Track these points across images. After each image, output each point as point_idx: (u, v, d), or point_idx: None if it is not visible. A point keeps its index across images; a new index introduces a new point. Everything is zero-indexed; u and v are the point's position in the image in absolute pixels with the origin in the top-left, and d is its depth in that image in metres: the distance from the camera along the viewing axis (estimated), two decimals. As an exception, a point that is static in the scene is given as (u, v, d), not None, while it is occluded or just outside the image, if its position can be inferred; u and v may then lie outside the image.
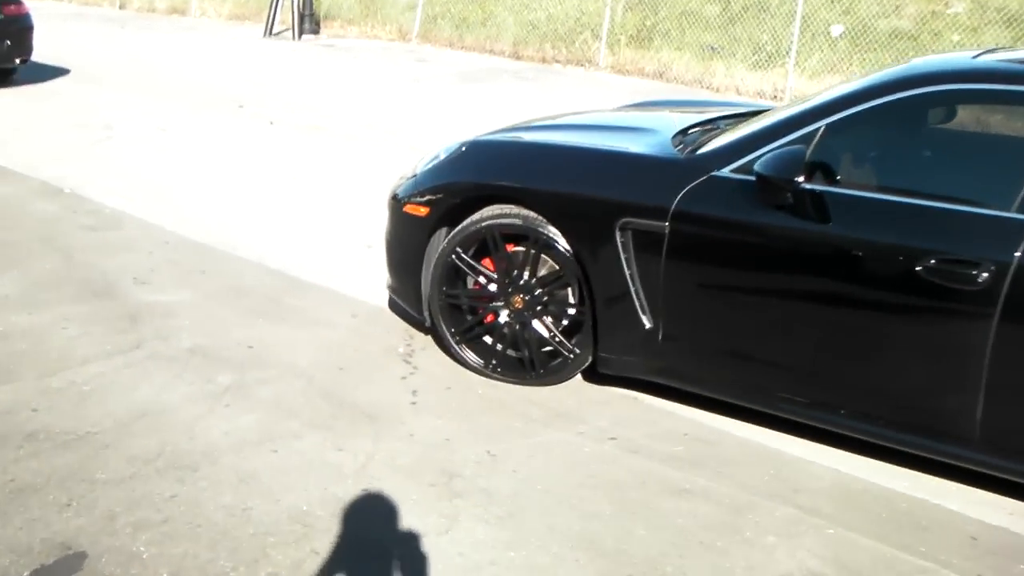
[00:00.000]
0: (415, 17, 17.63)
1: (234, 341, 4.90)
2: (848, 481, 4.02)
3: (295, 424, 4.14)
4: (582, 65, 16.03)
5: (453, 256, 4.63)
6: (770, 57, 14.72)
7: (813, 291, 3.90)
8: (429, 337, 5.09)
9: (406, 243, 4.88)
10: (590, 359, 4.56)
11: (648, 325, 4.30)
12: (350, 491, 3.68)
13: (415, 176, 4.90)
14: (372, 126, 10.27)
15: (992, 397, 3.67)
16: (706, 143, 4.42)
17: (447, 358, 4.87)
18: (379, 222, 6.81)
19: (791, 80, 13.94)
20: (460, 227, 4.62)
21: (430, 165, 4.87)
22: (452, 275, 4.70)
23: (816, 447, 4.24)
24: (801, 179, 3.73)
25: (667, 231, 4.10)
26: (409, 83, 13.31)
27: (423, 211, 4.75)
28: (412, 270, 4.85)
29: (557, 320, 4.61)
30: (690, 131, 4.75)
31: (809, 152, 3.86)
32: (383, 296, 5.60)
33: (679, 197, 4.08)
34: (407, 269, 4.90)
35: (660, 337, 4.29)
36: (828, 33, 14.70)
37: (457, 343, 4.75)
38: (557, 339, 4.56)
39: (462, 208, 4.66)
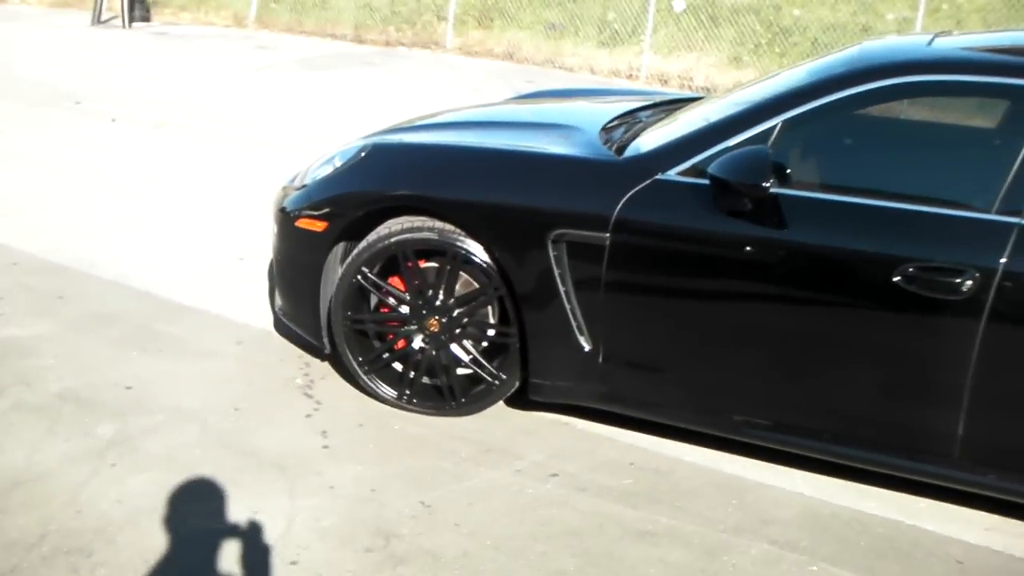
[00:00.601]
0: (251, 2, 16.73)
1: (109, 381, 4.25)
2: (816, 506, 3.70)
3: (196, 484, 3.56)
4: (428, 47, 15.47)
5: (359, 276, 4.10)
6: (616, 35, 14.48)
7: (777, 304, 3.54)
8: (327, 364, 4.54)
9: (300, 262, 4.32)
10: (517, 384, 4.11)
11: (587, 347, 3.87)
12: (279, 568, 3.14)
13: (306, 186, 4.33)
14: (220, 121, 9.52)
15: (975, 412, 3.39)
16: (633, 141, 4.02)
17: (352, 388, 4.34)
18: (248, 230, 6.26)
19: (647, 59, 13.73)
20: (365, 243, 4.09)
21: (324, 173, 4.31)
22: (357, 297, 4.17)
23: (773, 468, 3.90)
24: (769, 184, 3.35)
25: (608, 243, 3.68)
26: (251, 72, 12.53)
27: (320, 226, 4.19)
28: (308, 292, 4.29)
29: (478, 343, 4.13)
30: (610, 127, 4.33)
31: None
32: (267, 317, 5.02)
33: (620, 204, 3.65)
34: (302, 292, 4.34)
35: (601, 359, 3.87)
36: (671, 8, 14.53)
37: (366, 373, 4.22)
38: (480, 364, 4.09)
39: (365, 221, 4.13)
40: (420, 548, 3.28)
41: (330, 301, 4.23)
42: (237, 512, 3.40)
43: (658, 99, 5.12)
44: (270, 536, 3.28)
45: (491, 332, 4.10)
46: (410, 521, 3.43)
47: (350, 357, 4.21)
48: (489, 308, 4.10)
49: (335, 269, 4.27)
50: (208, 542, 3.24)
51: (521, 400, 4.16)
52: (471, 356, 4.10)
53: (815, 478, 3.86)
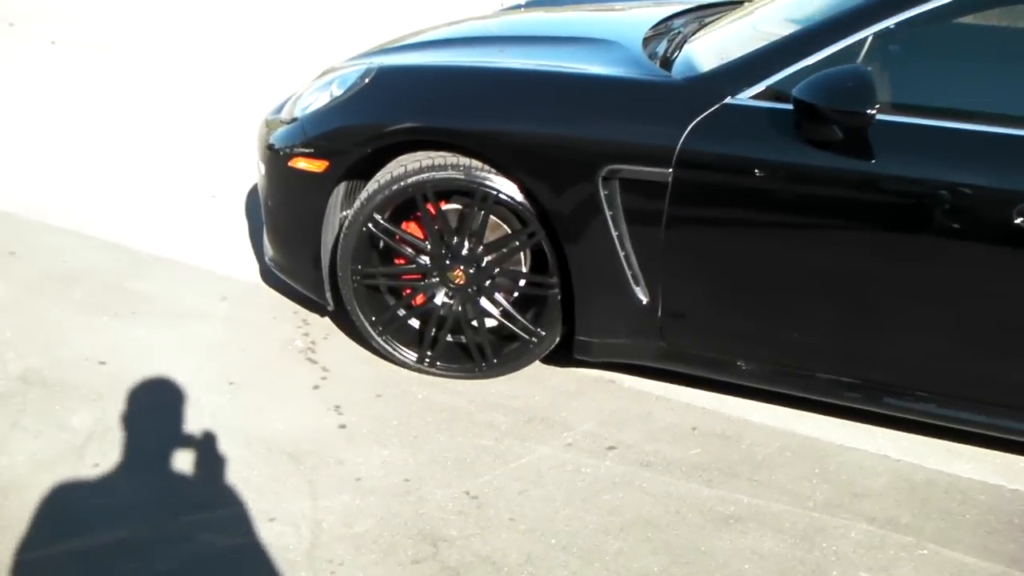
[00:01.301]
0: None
1: (79, 356, 3.66)
2: (907, 471, 3.25)
3: (195, 486, 3.02)
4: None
5: (369, 224, 3.52)
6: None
7: (870, 247, 3.03)
8: (328, 319, 3.99)
9: (295, 208, 3.73)
10: (556, 341, 3.59)
11: (644, 299, 3.35)
12: (310, 596, 2.63)
13: (297, 119, 3.71)
14: (176, 42, 8.72)
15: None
16: (679, 57, 3.45)
17: (361, 349, 3.80)
18: (218, 164, 5.62)
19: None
20: (375, 185, 3.51)
21: (319, 102, 3.69)
22: (367, 248, 3.60)
23: (850, 427, 3.45)
24: (874, 111, 2.81)
25: (670, 179, 3.13)
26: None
27: (319, 166, 3.59)
28: (306, 242, 3.71)
29: (510, 296, 3.60)
30: (649, 39, 3.75)
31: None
32: (252, 266, 4.44)
33: (686, 134, 3.10)
34: (299, 241, 3.76)
35: (660, 313, 3.36)
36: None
37: (380, 334, 3.68)
38: (514, 319, 3.56)
39: (372, 159, 3.54)
40: (476, 554, 2.78)
41: (332, 252, 3.66)
42: (252, 520, 2.87)
43: (683, 4, 4.52)
44: (294, 552, 2.76)
45: (525, 283, 3.56)
46: (458, 519, 2.92)
47: (361, 317, 3.66)
48: (521, 256, 3.56)
49: (336, 214, 3.70)
50: (224, 565, 2.70)
51: (557, 357, 3.65)
52: (502, 309, 3.56)
53: (897, 436, 3.41)
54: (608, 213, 3.25)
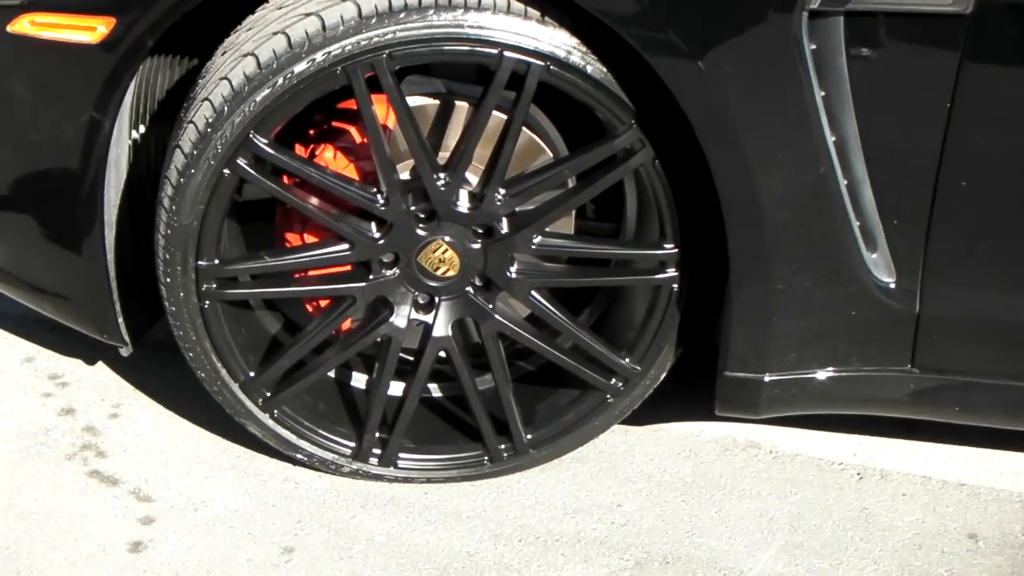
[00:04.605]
0: None
1: None
2: None
3: None
4: None
5: (240, 160, 1.50)
6: None
7: None
8: (102, 368, 1.92)
9: (34, 131, 1.65)
10: (659, 382, 1.70)
11: (888, 281, 1.54)
12: None
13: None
14: None
15: None
16: None
17: (209, 436, 1.78)
18: None
19: None
20: (250, 64, 1.49)
21: None
22: (224, 215, 1.56)
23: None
24: None
25: (971, 9, 1.39)
26: None
27: (97, 27, 1.53)
28: (66, 209, 1.65)
29: (554, 300, 1.67)
30: None
31: None
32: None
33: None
34: (46, 208, 1.69)
35: (917, 313, 1.54)
36: None
37: (266, 407, 1.65)
38: (589, 345, 1.65)
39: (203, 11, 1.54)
40: None
41: (131, 228, 1.67)
42: None
43: None
44: None
45: (610, 260, 1.72)
46: None
47: (223, 373, 1.62)
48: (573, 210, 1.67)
49: (127, 144, 1.65)
50: None
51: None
52: (550, 329, 1.67)
53: None
54: (818, 93, 1.43)
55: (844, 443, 1.81)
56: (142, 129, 1.69)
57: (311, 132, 1.65)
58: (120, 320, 1.69)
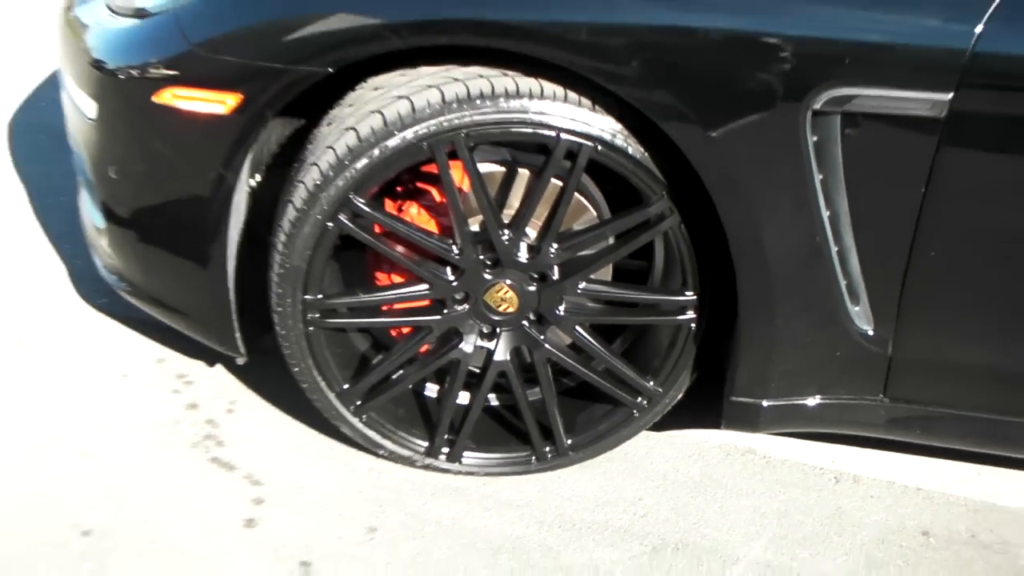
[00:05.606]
0: None
1: None
2: None
3: None
4: None
5: (341, 215, 1.83)
6: None
7: None
8: (222, 370, 2.27)
9: (174, 180, 1.97)
10: (677, 400, 2.05)
11: (866, 328, 1.87)
12: None
13: (168, 11, 1.92)
14: None
15: None
16: None
17: (308, 431, 2.12)
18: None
19: None
20: (351, 138, 1.81)
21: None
22: (327, 258, 1.90)
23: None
24: None
25: (946, 113, 1.65)
26: None
27: (227, 100, 1.85)
28: (198, 248, 1.98)
29: (594, 334, 2.02)
30: None
31: None
32: (64, 285, 2.58)
33: (978, 31, 1.61)
34: (177, 243, 2.02)
35: (892, 352, 1.89)
36: None
37: (357, 413, 2.00)
38: (621, 371, 1.99)
39: (327, 86, 1.85)
40: None
41: (246, 264, 1.96)
42: None
43: None
44: None
45: (638, 304, 2.00)
46: None
47: (323, 384, 1.97)
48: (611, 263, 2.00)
49: (245, 191, 1.98)
50: None
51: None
52: (590, 358, 1.99)
53: None
54: (816, 176, 1.74)
55: (825, 451, 2.16)
56: (258, 178, 2.04)
57: (399, 189, 2.00)
58: (237, 335, 2.04)
